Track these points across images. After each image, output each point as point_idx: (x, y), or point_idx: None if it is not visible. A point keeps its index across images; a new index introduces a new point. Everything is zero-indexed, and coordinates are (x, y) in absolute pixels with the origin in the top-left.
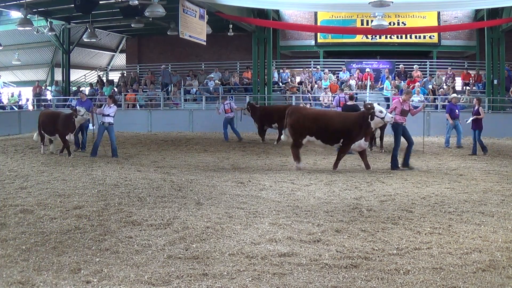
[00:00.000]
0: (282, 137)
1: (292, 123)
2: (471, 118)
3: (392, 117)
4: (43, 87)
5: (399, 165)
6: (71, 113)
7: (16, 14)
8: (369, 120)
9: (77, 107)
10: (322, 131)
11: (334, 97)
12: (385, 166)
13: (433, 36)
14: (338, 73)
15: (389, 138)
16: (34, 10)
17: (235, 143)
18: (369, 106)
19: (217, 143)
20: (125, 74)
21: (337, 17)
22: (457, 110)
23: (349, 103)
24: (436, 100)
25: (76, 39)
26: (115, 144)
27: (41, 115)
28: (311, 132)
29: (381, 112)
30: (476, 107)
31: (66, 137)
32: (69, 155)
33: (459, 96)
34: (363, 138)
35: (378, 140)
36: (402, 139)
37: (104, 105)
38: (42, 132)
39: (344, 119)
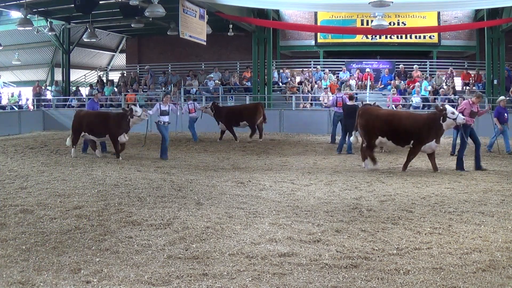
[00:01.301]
0: (351, 138)
1: (364, 123)
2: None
3: (463, 119)
4: (43, 87)
5: (473, 168)
6: (125, 113)
7: (16, 14)
8: (441, 121)
9: (133, 107)
10: (393, 132)
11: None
12: (385, 166)
13: (433, 36)
14: (338, 73)
15: None
16: (34, 10)
17: (235, 143)
18: (441, 107)
19: (217, 143)
20: (125, 74)
21: (337, 17)
22: (505, 114)
23: (349, 103)
24: (436, 100)
25: (76, 39)
26: (167, 144)
27: (83, 116)
28: (382, 133)
29: (453, 113)
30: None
31: (119, 138)
32: (118, 157)
33: (507, 98)
34: (434, 140)
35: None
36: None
37: (159, 104)
38: (86, 134)
39: (415, 120)
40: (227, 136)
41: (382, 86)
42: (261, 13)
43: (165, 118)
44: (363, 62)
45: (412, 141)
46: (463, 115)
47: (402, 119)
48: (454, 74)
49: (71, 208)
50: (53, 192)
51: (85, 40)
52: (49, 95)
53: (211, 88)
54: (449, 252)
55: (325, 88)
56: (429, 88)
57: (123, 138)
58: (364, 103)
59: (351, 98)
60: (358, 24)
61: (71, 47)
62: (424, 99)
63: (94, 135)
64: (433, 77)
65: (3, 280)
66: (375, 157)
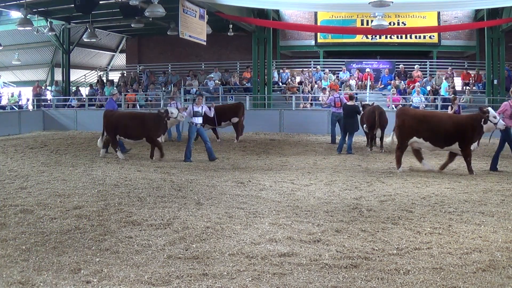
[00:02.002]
0: (387, 140)
1: (400, 124)
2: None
3: (504, 125)
4: (43, 87)
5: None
6: (162, 114)
7: (16, 14)
8: (482, 123)
9: (168, 108)
10: (431, 133)
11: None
12: (385, 166)
13: (433, 36)
14: (338, 73)
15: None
16: (34, 10)
17: (235, 143)
18: (485, 109)
19: (217, 143)
20: (125, 74)
21: (337, 17)
22: None
23: (349, 103)
24: (436, 100)
25: (76, 39)
26: (210, 144)
27: (116, 117)
28: (419, 134)
29: (495, 117)
30: (456, 108)
31: (158, 139)
32: (162, 157)
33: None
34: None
35: (378, 140)
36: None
37: (192, 105)
38: (119, 136)
39: (457, 122)
40: (227, 136)
41: (382, 86)
42: (261, 13)
43: (198, 120)
44: (363, 62)
45: (456, 143)
46: (503, 116)
47: (443, 120)
48: (454, 74)
49: (71, 208)
50: (53, 192)
51: (85, 40)
52: (49, 95)
53: (211, 88)
54: (449, 252)
55: (323, 88)
56: (447, 87)
57: (161, 139)
58: (363, 103)
59: (351, 98)
60: (358, 24)
61: (71, 47)
62: (443, 99)
63: (130, 137)
64: (433, 77)
65: (3, 280)
66: (401, 161)
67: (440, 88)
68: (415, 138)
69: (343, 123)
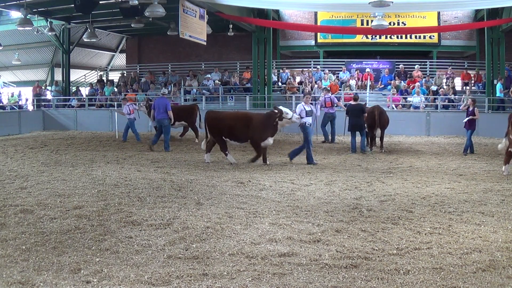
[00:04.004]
0: (499, 145)
1: None
2: (467, 118)
3: None
4: (43, 87)
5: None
6: (275, 114)
7: (16, 14)
8: None
9: (283, 108)
10: None
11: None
12: (385, 166)
13: (433, 36)
14: (338, 73)
15: (388, 138)
16: (34, 10)
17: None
18: None
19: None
20: (125, 74)
21: (337, 17)
22: None
23: (354, 103)
24: (436, 100)
25: (76, 39)
26: (308, 146)
27: (218, 117)
28: None
29: None
30: (471, 108)
31: (265, 142)
32: (265, 162)
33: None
34: None
35: (378, 140)
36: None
37: (302, 104)
38: (228, 139)
39: None
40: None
41: (382, 86)
42: (261, 13)
43: (309, 119)
44: (363, 62)
45: None
46: None
47: None
48: (454, 75)
49: (71, 208)
50: (53, 192)
51: (85, 40)
52: (49, 95)
53: (211, 88)
54: (449, 252)
55: (324, 88)
56: (501, 87)
57: (270, 141)
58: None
59: (355, 99)
60: (358, 24)
61: (71, 47)
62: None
63: (236, 139)
64: (432, 77)
65: (3, 280)
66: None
67: (495, 87)
68: None
69: (350, 123)
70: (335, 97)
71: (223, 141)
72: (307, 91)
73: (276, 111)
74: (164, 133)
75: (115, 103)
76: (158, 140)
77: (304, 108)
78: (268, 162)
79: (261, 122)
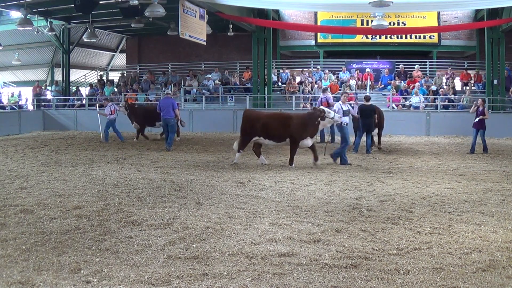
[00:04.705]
0: None
1: None
2: (477, 118)
3: None
4: (43, 87)
5: None
6: (316, 113)
7: (16, 14)
8: None
9: (325, 108)
10: None
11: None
12: (385, 166)
13: (433, 36)
14: (338, 73)
15: (388, 138)
16: (34, 10)
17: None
18: None
19: (217, 143)
20: (125, 74)
21: (337, 17)
22: None
23: (366, 103)
24: (436, 100)
25: (76, 39)
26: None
27: (257, 117)
28: None
29: None
30: (481, 108)
31: (303, 143)
32: (316, 160)
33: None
34: None
35: (376, 138)
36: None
37: (340, 104)
38: (261, 138)
39: None
40: (226, 136)
41: (382, 86)
42: (261, 13)
43: (346, 119)
44: (363, 62)
45: None
46: None
47: None
48: (454, 75)
49: (71, 208)
50: (53, 192)
51: (85, 40)
52: (49, 95)
53: (211, 88)
54: (449, 252)
55: (324, 89)
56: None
57: (308, 142)
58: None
59: (367, 99)
60: (358, 24)
61: (71, 47)
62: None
63: (272, 139)
64: (432, 77)
65: (3, 280)
66: None
67: (495, 87)
68: None
69: (362, 123)
70: (332, 97)
71: (248, 141)
72: (345, 90)
73: (320, 110)
74: (170, 132)
75: (97, 103)
76: (170, 140)
77: (342, 108)
78: (293, 165)
79: (302, 121)
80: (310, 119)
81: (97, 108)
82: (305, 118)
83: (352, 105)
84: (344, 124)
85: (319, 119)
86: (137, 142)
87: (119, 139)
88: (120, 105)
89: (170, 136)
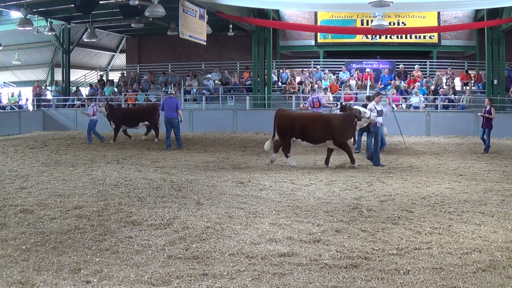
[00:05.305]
0: None
1: None
2: (480, 114)
3: None
4: (43, 87)
5: None
6: (351, 114)
7: (16, 14)
8: None
9: (359, 108)
10: None
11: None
12: (385, 166)
13: (433, 36)
14: (338, 73)
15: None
16: (34, 10)
17: (235, 143)
18: None
19: (217, 143)
20: (125, 74)
21: (337, 17)
22: None
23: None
24: (436, 100)
25: (76, 39)
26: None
27: (295, 118)
28: None
29: None
30: (488, 107)
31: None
32: (353, 163)
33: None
34: None
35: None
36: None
37: (373, 104)
38: (299, 140)
39: None
40: (226, 136)
41: (382, 86)
42: (261, 13)
43: (380, 119)
44: (363, 62)
45: None
46: None
47: None
48: (454, 75)
49: (71, 208)
50: (53, 192)
51: (85, 40)
52: (49, 95)
53: (211, 88)
54: (449, 252)
55: (325, 88)
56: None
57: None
58: (343, 103)
59: (369, 99)
60: (358, 24)
61: (71, 47)
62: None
63: (310, 141)
64: (433, 77)
65: (3, 280)
66: None
67: (495, 87)
68: None
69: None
70: (323, 97)
71: (289, 142)
72: (378, 91)
73: (356, 111)
74: (176, 132)
75: (80, 103)
76: (179, 141)
77: (376, 108)
78: (356, 164)
79: (341, 123)
80: (348, 119)
81: (86, 107)
82: (344, 119)
83: (385, 105)
84: (378, 124)
85: (356, 119)
86: (137, 142)
87: (99, 140)
88: (100, 104)
89: (177, 137)
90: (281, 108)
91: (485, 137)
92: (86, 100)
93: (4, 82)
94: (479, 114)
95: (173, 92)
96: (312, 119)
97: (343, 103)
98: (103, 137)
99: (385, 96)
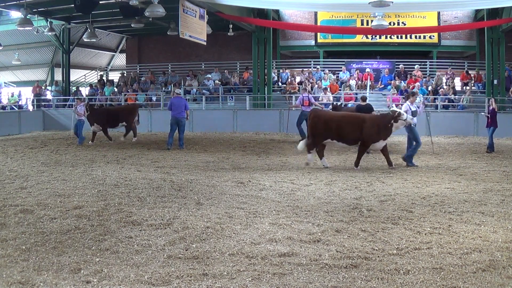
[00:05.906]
0: None
1: None
2: (483, 113)
3: None
4: (43, 87)
5: None
6: (390, 116)
7: (16, 14)
8: None
9: (398, 109)
10: None
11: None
12: (385, 166)
13: (433, 36)
14: (338, 73)
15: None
16: (34, 10)
17: (235, 143)
18: None
19: (217, 143)
20: (125, 74)
21: (337, 17)
22: None
23: (363, 103)
24: (436, 100)
25: (76, 39)
26: (410, 146)
27: (330, 119)
28: None
29: None
30: (491, 107)
31: (375, 145)
32: (390, 166)
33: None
34: None
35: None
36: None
37: (408, 104)
38: (335, 141)
39: None
40: (226, 136)
41: (382, 86)
42: (261, 13)
43: (414, 120)
44: (363, 62)
45: None
46: None
47: None
48: (454, 75)
49: (71, 208)
50: (53, 192)
51: (85, 40)
52: (49, 95)
53: (211, 88)
54: (449, 252)
55: (325, 88)
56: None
57: (381, 144)
58: (335, 103)
59: (363, 99)
60: (358, 24)
61: (71, 47)
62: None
63: (346, 142)
64: (433, 77)
65: (3, 280)
66: None
67: (495, 87)
68: None
69: None
70: (313, 96)
71: (320, 142)
72: (413, 91)
73: (394, 113)
74: (181, 132)
75: (73, 103)
76: (181, 141)
77: (410, 108)
78: (358, 167)
79: (376, 124)
80: (384, 121)
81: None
82: (379, 120)
83: (418, 105)
84: (413, 125)
85: (392, 121)
86: (137, 142)
87: (77, 141)
88: (82, 105)
89: (180, 137)
90: (316, 108)
91: (489, 136)
92: (75, 100)
93: (4, 82)
94: (483, 113)
95: (180, 92)
96: (348, 120)
97: (335, 103)
98: (83, 140)
99: (418, 97)
